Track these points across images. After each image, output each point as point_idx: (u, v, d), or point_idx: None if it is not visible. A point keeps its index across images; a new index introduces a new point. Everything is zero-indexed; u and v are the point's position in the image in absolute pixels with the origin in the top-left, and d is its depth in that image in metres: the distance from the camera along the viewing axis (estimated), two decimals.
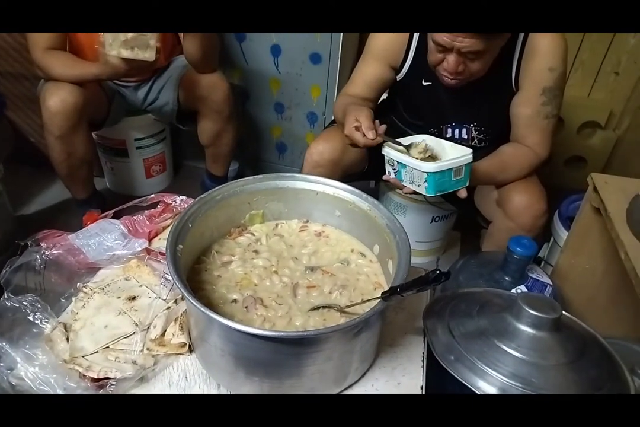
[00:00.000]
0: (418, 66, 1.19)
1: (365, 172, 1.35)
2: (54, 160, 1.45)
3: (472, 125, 1.24)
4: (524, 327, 0.75)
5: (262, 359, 0.70)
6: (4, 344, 0.84)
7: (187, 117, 1.59)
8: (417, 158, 1.05)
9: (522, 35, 1.11)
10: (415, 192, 1.07)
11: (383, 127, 1.05)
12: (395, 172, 1.09)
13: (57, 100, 1.32)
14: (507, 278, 1.04)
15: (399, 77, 1.24)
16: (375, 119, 1.07)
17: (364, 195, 0.90)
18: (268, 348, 0.68)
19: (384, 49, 1.21)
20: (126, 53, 1.18)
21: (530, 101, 1.13)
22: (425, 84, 1.21)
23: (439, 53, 1.05)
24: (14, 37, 1.62)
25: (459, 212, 1.52)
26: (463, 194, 1.06)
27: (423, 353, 0.85)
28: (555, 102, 1.13)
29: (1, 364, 0.83)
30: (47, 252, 1.01)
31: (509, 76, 1.15)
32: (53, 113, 1.33)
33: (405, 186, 1.08)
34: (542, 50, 1.09)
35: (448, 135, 1.27)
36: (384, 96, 1.37)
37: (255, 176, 0.94)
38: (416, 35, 1.17)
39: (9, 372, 0.82)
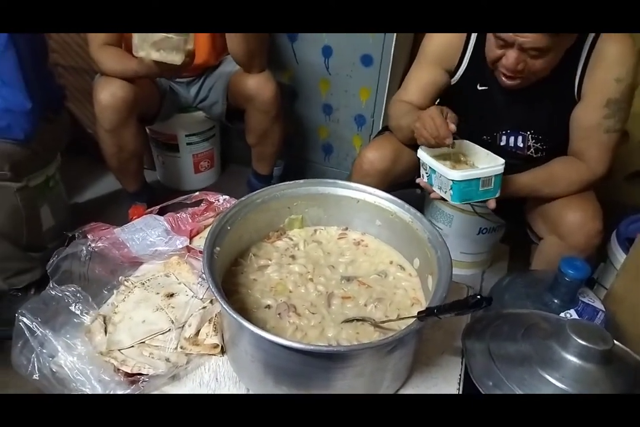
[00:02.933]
0: (474, 69, 1.15)
1: (415, 181, 1.31)
2: (105, 153, 1.50)
3: (528, 133, 1.18)
4: (571, 357, 0.70)
5: (292, 370, 0.69)
6: (47, 331, 0.87)
7: (236, 116, 1.60)
8: (450, 164, 1.04)
9: (589, 39, 1.04)
10: (443, 199, 1.05)
11: (455, 142, 1.04)
12: (427, 176, 1.07)
13: (107, 95, 1.36)
14: (556, 301, 0.98)
15: (454, 80, 1.20)
16: None
17: (406, 206, 0.87)
18: (298, 359, 0.67)
19: (439, 52, 1.16)
20: (154, 55, 1.19)
21: (592, 112, 1.07)
22: (480, 88, 1.17)
23: (499, 48, 1.00)
24: (77, 34, 1.68)
25: (507, 225, 1.46)
26: (492, 204, 1.03)
27: (460, 375, 0.82)
28: (620, 115, 1.06)
29: (44, 350, 0.86)
30: (92, 245, 1.04)
31: (572, 83, 1.08)
32: (103, 107, 1.37)
33: (434, 191, 1.06)
34: (610, 59, 1.02)
35: (502, 143, 1.21)
36: (437, 101, 1.33)
37: (297, 181, 0.93)
38: (473, 36, 1.12)
39: (50, 359, 0.85)
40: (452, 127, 1.00)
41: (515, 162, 1.18)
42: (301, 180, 0.93)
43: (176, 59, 1.20)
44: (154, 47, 1.18)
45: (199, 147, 1.82)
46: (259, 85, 1.45)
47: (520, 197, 1.15)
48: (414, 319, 0.67)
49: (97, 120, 1.42)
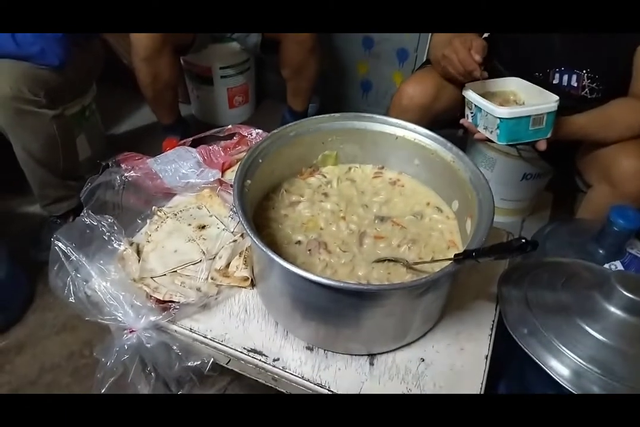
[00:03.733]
0: None
1: (456, 119, 1.24)
2: (140, 82, 1.47)
3: (584, 71, 1.08)
4: (614, 309, 0.67)
5: (320, 306, 0.68)
6: (81, 257, 0.88)
7: (272, 48, 1.52)
8: (497, 102, 0.96)
9: None
10: (488, 139, 0.98)
11: (485, 74, 0.97)
12: (472, 116, 1.00)
13: None
14: (601, 251, 0.92)
15: None
16: None
17: (449, 144, 0.82)
18: (327, 296, 0.65)
19: None
20: None
21: None
22: None
23: None
24: None
25: (554, 171, 1.37)
26: (542, 146, 0.96)
27: (493, 321, 0.80)
28: None
29: (78, 275, 0.88)
30: (126, 174, 1.04)
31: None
32: (138, 35, 1.33)
33: (478, 131, 0.99)
34: None
35: (555, 82, 1.12)
36: (486, 34, 1.22)
37: (332, 114, 0.88)
38: None
39: (85, 283, 0.87)
40: (477, 58, 0.93)
41: (568, 102, 1.08)
42: (337, 114, 0.88)
43: None
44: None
45: (234, 80, 1.77)
46: None
47: (572, 141, 1.06)
48: (450, 261, 0.64)
49: (132, 48, 1.39)
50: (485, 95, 0.99)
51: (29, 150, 1.26)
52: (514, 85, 1.01)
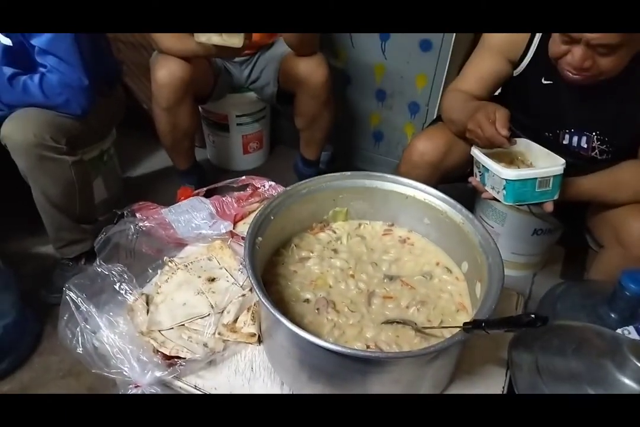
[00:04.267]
0: (539, 61, 1.06)
1: (467, 174, 1.26)
2: (159, 130, 1.52)
3: (594, 133, 1.09)
4: (627, 381, 0.66)
5: (327, 369, 0.68)
6: (91, 307, 0.89)
7: (287, 98, 1.58)
8: (505, 163, 0.98)
9: None
10: (495, 199, 0.99)
11: (515, 141, 0.98)
12: (480, 175, 1.02)
13: (165, 73, 1.36)
14: (613, 315, 0.91)
15: (516, 72, 1.12)
16: None
17: (459, 206, 0.83)
18: (333, 360, 0.65)
19: (504, 40, 1.09)
20: (215, 39, 1.18)
21: None
22: (545, 82, 1.08)
23: (564, 44, 0.92)
24: None
25: (565, 227, 1.37)
26: (549, 208, 0.96)
27: (503, 387, 0.78)
28: None
29: (87, 326, 0.88)
30: (140, 224, 1.06)
31: None
32: (161, 85, 1.38)
33: (486, 190, 1.00)
34: None
35: (565, 142, 1.13)
36: (497, 92, 1.26)
37: (344, 173, 0.91)
38: None
39: (93, 334, 0.87)
40: (504, 132, 0.94)
41: (578, 162, 1.10)
42: (348, 173, 0.90)
43: (236, 41, 1.18)
44: (214, 32, 1.17)
45: (249, 128, 1.82)
46: (310, 69, 1.41)
47: (581, 202, 1.07)
48: (459, 328, 0.64)
49: (154, 98, 1.43)
50: (493, 154, 1.01)
51: (47, 194, 1.29)
52: (522, 146, 1.02)
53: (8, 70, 1.22)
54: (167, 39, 1.36)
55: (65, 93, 1.23)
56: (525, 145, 1.03)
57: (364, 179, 0.90)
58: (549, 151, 0.99)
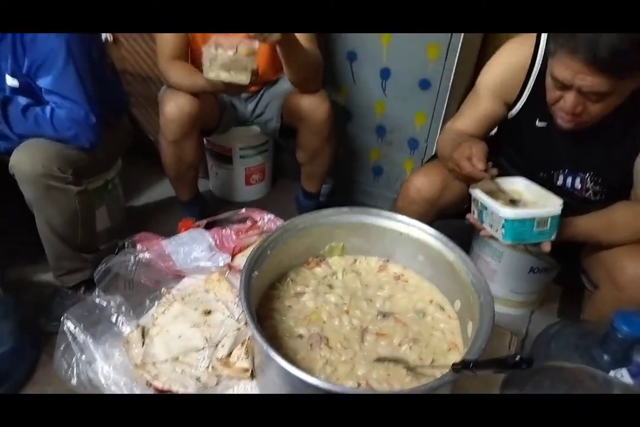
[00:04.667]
0: (533, 104, 1.10)
1: (463, 211, 1.28)
2: (164, 162, 1.55)
3: (587, 175, 1.12)
4: None
5: None
6: (88, 338, 0.90)
7: (290, 133, 1.62)
8: (503, 201, 1.00)
9: None
10: (492, 237, 1.01)
11: (494, 171, 1.01)
12: (478, 213, 1.03)
13: (173, 108, 1.41)
14: (606, 357, 0.91)
15: (511, 114, 1.16)
16: None
17: (452, 244, 0.85)
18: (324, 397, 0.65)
19: (499, 83, 1.13)
20: (223, 75, 1.22)
21: None
22: (539, 124, 1.12)
23: (557, 90, 0.96)
24: (147, 43, 1.76)
25: (561, 266, 1.38)
26: (546, 248, 0.98)
27: None
28: None
29: (83, 356, 0.89)
30: (140, 255, 1.08)
31: (637, 125, 1.02)
32: (169, 119, 1.42)
33: (484, 228, 1.02)
34: None
35: (559, 183, 1.16)
36: (493, 132, 1.29)
37: (341, 208, 0.93)
38: (535, 69, 1.08)
39: (88, 365, 0.88)
40: (481, 166, 0.97)
41: (572, 203, 1.12)
42: (345, 208, 0.93)
43: (243, 78, 1.22)
44: (223, 68, 1.21)
45: (252, 160, 1.86)
46: (312, 106, 1.45)
47: (576, 242, 1.08)
48: (449, 369, 0.64)
49: (161, 131, 1.47)
50: (491, 192, 1.02)
51: (50, 223, 1.31)
52: (519, 184, 1.05)
53: (23, 101, 1.26)
54: (176, 74, 1.41)
55: (74, 128, 1.26)
56: (522, 184, 1.05)
57: (360, 214, 0.93)
58: (547, 191, 1.01)
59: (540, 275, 1.38)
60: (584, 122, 0.99)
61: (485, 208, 0.99)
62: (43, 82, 1.23)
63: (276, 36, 1.19)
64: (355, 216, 0.92)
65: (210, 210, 1.81)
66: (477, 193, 1.01)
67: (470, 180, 1.03)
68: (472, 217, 1.06)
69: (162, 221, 1.80)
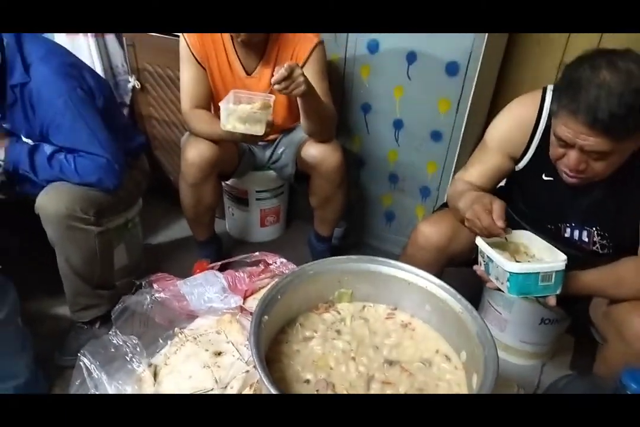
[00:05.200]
0: (539, 159, 1.13)
1: (473, 260, 1.30)
2: (184, 204, 1.62)
3: (594, 229, 1.14)
4: None
5: None
6: (102, 375, 0.93)
7: (304, 178, 1.68)
8: (509, 254, 1.02)
9: None
10: (499, 289, 1.02)
11: (510, 231, 1.03)
12: (485, 265, 1.06)
13: (195, 153, 1.48)
14: None
15: (518, 167, 1.19)
16: None
17: (459, 296, 0.87)
18: None
19: (505, 138, 1.17)
20: (240, 127, 1.30)
21: None
22: (545, 178, 1.15)
23: (561, 147, 0.99)
24: (172, 91, 1.87)
25: (571, 318, 1.38)
26: (551, 302, 0.99)
27: None
28: None
29: (97, 393, 0.92)
30: (156, 295, 1.12)
31: None
32: (190, 164, 1.50)
33: (490, 280, 1.04)
34: None
35: (566, 235, 1.18)
36: (502, 183, 1.33)
37: (350, 256, 0.97)
38: (541, 126, 1.11)
39: None
40: (501, 224, 0.98)
41: (580, 255, 1.14)
42: (354, 256, 0.97)
43: (259, 129, 1.30)
44: (240, 121, 1.29)
45: (267, 203, 1.92)
46: (324, 155, 1.52)
47: (583, 295, 1.09)
48: None
49: (182, 174, 1.54)
50: (497, 244, 1.05)
51: (70, 261, 1.36)
52: (525, 238, 1.06)
53: (48, 149, 1.31)
54: (197, 123, 1.50)
55: (97, 173, 1.32)
56: (528, 238, 1.07)
57: (368, 263, 0.96)
58: (551, 245, 1.02)
59: (551, 326, 1.38)
60: (587, 179, 1.01)
61: (492, 260, 1.01)
62: (57, 140, 1.30)
63: (301, 90, 1.27)
64: (364, 264, 0.96)
65: (225, 250, 1.86)
66: (484, 245, 1.03)
67: (482, 233, 1.05)
68: (479, 269, 1.07)
69: (178, 259, 1.85)
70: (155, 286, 1.15)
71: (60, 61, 1.30)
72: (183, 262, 1.77)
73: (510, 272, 0.95)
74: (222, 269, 1.25)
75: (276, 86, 1.25)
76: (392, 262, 0.95)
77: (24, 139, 1.34)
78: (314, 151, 1.53)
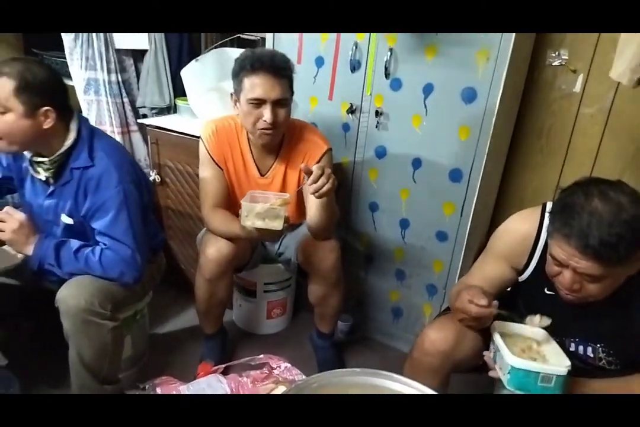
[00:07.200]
0: (541, 273, 1.14)
1: (479, 367, 1.27)
2: (198, 297, 1.65)
3: (598, 345, 1.13)
4: None
5: None
6: None
7: (306, 273, 1.71)
8: (518, 348, 1.03)
9: None
10: (500, 380, 1.02)
11: (496, 302, 1.05)
12: (494, 352, 1.06)
13: (214, 250, 1.54)
14: None
15: (522, 278, 1.21)
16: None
17: None
18: None
19: (507, 250, 1.19)
20: (259, 223, 1.35)
21: None
22: (547, 292, 1.15)
23: (556, 266, 1.02)
24: (190, 185, 1.98)
25: None
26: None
27: None
28: None
29: None
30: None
31: None
32: (209, 260, 1.55)
33: (495, 369, 1.04)
34: None
35: (571, 349, 1.16)
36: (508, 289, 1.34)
37: (354, 369, 0.97)
38: (541, 242, 1.14)
39: None
40: (483, 302, 1.02)
41: (588, 368, 1.12)
42: (357, 369, 0.97)
43: (277, 225, 1.35)
44: (259, 217, 1.35)
45: (274, 295, 1.94)
46: (322, 255, 1.56)
47: None
48: None
49: (200, 269, 1.59)
50: (512, 335, 1.06)
51: (81, 355, 1.36)
52: (540, 336, 1.07)
53: (75, 244, 1.38)
54: (214, 221, 1.57)
55: (120, 266, 1.37)
56: (542, 337, 1.08)
57: (372, 376, 0.96)
58: (561, 351, 1.03)
59: None
60: (583, 298, 1.03)
61: (499, 350, 1.02)
62: (97, 225, 1.38)
63: (335, 186, 1.32)
64: (368, 378, 0.96)
65: (230, 342, 1.85)
66: (495, 334, 1.04)
67: (482, 324, 1.06)
68: (488, 355, 1.08)
69: (183, 351, 1.83)
70: (158, 389, 1.14)
71: (121, 157, 1.42)
72: (187, 356, 1.76)
73: (511, 365, 0.96)
74: (226, 369, 1.24)
75: (313, 185, 1.27)
76: (395, 376, 0.95)
77: (64, 216, 1.41)
78: (312, 250, 1.58)
